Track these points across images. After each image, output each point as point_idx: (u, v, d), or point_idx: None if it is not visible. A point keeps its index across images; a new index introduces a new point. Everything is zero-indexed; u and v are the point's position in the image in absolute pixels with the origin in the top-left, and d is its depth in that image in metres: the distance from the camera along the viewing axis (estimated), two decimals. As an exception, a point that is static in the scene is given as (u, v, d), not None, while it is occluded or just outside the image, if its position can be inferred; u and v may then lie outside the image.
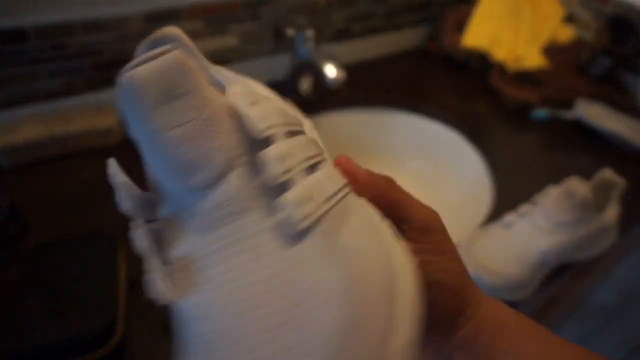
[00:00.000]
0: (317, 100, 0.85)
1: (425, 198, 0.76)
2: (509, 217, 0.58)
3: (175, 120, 0.18)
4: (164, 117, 0.18)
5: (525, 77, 0.91)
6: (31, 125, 0.65)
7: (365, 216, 0.21)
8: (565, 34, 1.00)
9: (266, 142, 0.20)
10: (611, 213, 0.59)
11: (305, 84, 0.83)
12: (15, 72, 0.65)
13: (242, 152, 0.19)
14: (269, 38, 0.84)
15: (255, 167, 0.19)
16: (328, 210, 0.19)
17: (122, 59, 0.72)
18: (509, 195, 0.70)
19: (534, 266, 0.53)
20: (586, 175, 0.59)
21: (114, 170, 0.21)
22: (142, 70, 0.18)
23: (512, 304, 0.54)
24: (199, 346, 0.17)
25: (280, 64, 0.88)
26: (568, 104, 0.88)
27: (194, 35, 0.76)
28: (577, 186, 0.54)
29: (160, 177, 0.20)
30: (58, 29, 0.65)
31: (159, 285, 0.18)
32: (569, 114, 0.87)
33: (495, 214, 0.65)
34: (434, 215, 0.25)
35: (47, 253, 0.49)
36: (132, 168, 0.73)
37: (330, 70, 0.70)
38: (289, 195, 0.18)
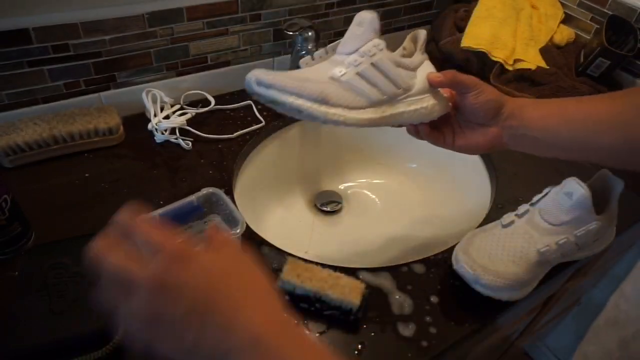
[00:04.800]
0: (317, 100, 0.86)
1: (425, 198, 0.77)
2: (508, 217, 0.58)
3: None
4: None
5: (525, 77, 0.92)
6: (33, 126, 0.66)
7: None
8: (564, 34, 1.00)
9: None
10: (610, 213, 0.59)
11: (305, 85, 0.83)
12: (17, 72, 0.65)
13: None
14: (269, 39, 0.85)
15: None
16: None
17: (123, 59, 0.72)
18: (508, 195, 0.71)
19: (533, 266, 0.54)
20: (585, 175, 0.59)
21: None
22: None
23: (512, 304, 0.54)
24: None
25: (281, 65, 0.88)
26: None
27: (194, 35, 0.76)
28: (576, 186, 0.54)
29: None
30: (59, 30, 0.65)
31: None
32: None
33: (495, 214, 0.65)
34: (479, 81, 0.51)
35: (48, 253, 0.49)
36: (133, 167, 0.73)
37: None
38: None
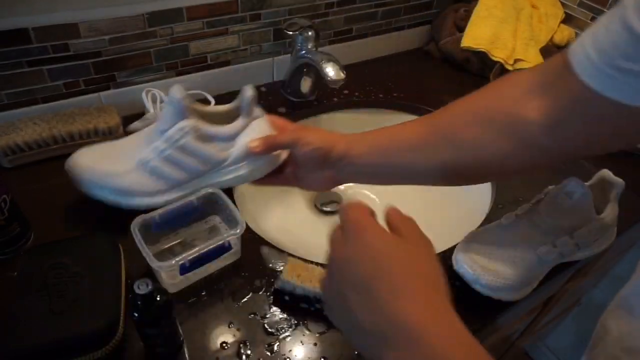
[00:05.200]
0: (318, 100, 0.86)
1: (425, 198, 0.77)
2: (508, 217, 0.58)
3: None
4: None
5: (525, 78, 0.92)
6: (32, 126, 0.65)
7: None
8: (565, 34, 1.00)
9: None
10: (610, 213, 0.59)
11: (305, 85, 0.83)
12: (16, 72, 0.65)
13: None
14: (269, 39, 0.84)
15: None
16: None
17: (123, 59, 0.72)
18: (508, 195, 0.71)
19: (533, 266, 0.53)
20: (585, 175, 0.59)
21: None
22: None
23: (512, 304, 0.54)
24: None
25: (281, 65, 0.88)
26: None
27: (194, 35, 0.76)
28: (576, 186, 0.54)
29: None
30: (59, 30, 0.65)
31: None
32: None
33: (495, 214, 0.65)
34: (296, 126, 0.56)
35: (48, 253, 0.49)
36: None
37: (331, 71, 0.70)
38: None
